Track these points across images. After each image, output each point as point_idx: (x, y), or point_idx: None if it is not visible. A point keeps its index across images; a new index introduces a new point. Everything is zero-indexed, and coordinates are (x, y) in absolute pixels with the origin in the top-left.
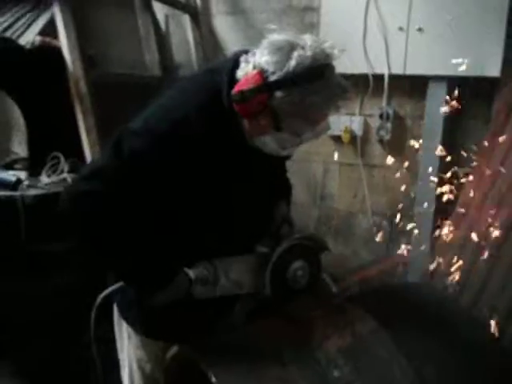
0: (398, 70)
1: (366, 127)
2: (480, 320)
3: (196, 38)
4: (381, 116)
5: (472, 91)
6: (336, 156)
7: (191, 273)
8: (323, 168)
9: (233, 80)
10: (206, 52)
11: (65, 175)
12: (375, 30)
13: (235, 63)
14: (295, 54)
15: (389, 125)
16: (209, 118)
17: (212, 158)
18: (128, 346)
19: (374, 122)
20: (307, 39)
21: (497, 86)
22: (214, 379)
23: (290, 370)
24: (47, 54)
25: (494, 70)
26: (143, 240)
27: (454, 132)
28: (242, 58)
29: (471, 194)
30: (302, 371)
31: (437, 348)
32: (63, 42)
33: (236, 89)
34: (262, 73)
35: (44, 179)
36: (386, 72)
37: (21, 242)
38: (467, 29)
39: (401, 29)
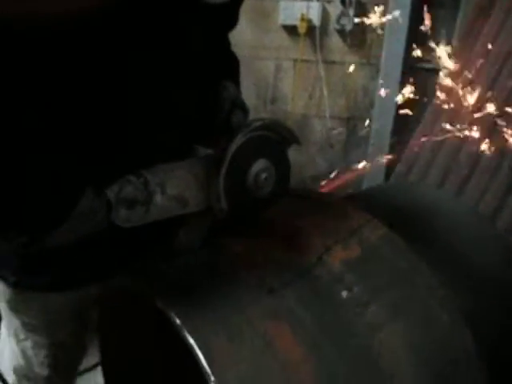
0: None
1: (325, 15)
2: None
3: None
4: (342, 1)
5: None
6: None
7: (109, 191)
8: (275, 65)
9: None
10: None
11: None
12: None
13: None
14: None
15: (351, 12)
16: None
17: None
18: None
19: (334, 10)
20: None
21: None
22: (177, 321)
23: (281, 297)
24: None
25: None
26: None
27: (421, 22)
28: None
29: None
30: (297, 296)
31: (462, 255)
32: None
33: None
34: None
35: None
36: None
37: None
38: None
39: None
